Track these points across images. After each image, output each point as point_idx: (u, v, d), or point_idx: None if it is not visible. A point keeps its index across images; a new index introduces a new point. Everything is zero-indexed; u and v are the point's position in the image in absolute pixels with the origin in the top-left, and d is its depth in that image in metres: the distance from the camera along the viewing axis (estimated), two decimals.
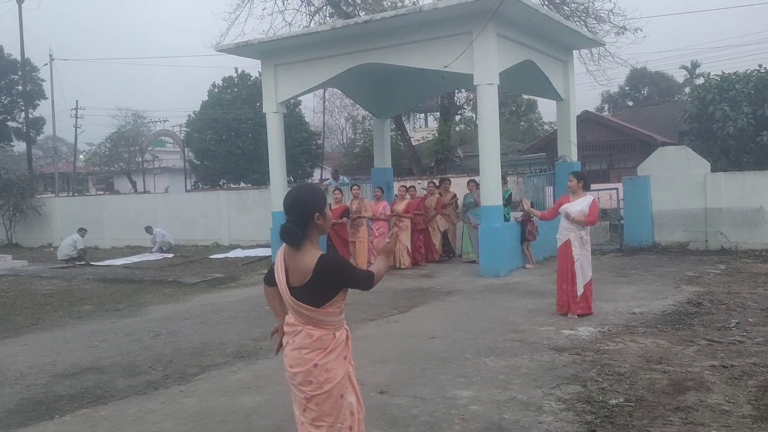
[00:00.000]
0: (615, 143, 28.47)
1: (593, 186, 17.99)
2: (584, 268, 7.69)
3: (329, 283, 3.06)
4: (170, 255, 17.72)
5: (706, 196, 13.67)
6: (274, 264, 3.24)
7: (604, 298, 8.67)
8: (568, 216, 7.65)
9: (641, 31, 20.32)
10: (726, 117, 22.07)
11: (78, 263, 15.88)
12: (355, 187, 13.38)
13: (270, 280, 3.32)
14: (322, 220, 3.13)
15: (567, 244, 7.70)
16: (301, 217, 3.08)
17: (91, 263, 15.96)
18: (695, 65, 46.76)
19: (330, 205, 12.46)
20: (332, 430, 3.12)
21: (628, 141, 28.18)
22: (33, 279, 13.83)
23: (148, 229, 18.86)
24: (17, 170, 26.10)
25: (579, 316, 7.61)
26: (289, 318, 3.20)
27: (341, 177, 20.42)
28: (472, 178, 15.16)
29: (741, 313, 7.46)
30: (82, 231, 16.80)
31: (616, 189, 15.39)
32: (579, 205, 7.64)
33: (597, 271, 11.38)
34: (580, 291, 7.65)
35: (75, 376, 6.13)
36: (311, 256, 3.05)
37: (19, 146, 37.61)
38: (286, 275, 3.11)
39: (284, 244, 3.17)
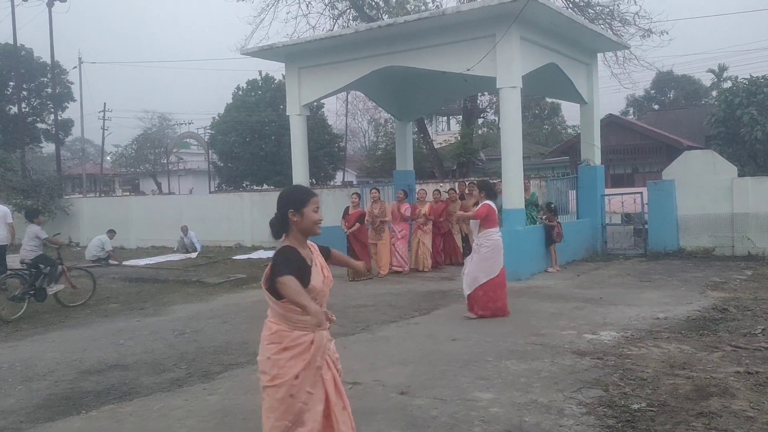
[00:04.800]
0: (640, 147, 28.07)
1: (618, 190, 17.89)
2: (474, 272, 8.02)
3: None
4: (193, 255, 17.95)
5: (732, 201, 13.43)
6: None
7: (627, 302, 8.59)
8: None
9: (667, 34, 20.15)
10: (754, 121, 21.74)
11: (106, 263, 16.16)
12: (374, 191, 13.32)
13: None
14: (298, 217, 3.27)
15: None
16: (280, 212, 3.33)
17: (123, 263, 16.27)
18: (722, 69, 46.01)
19: (347, 209, 12.51)
20: (277, 425, 3.17)
21: (654, 145, 27.78)
22: None
23: (184, 229, 19.20)
24: (46, 171, 26.65)
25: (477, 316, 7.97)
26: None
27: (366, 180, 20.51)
28: (493, 180, 15.07)
29: (767, 320, 7.34)
30: (111, 233, 17.12)
31: (641, 193, 15.22)
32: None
33: (621, 275, 11.32)
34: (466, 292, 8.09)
35: (101, 373, 6.25)
36: None
37: (48, 148, 38.40)
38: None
39: None
